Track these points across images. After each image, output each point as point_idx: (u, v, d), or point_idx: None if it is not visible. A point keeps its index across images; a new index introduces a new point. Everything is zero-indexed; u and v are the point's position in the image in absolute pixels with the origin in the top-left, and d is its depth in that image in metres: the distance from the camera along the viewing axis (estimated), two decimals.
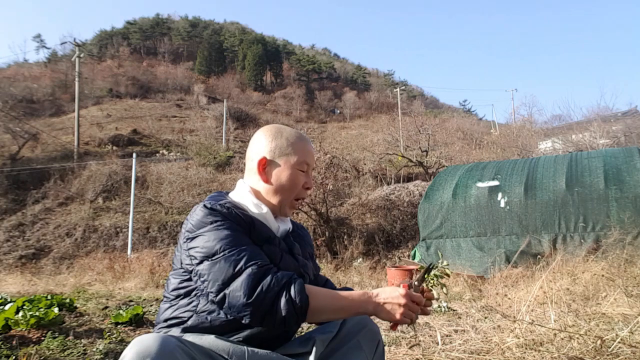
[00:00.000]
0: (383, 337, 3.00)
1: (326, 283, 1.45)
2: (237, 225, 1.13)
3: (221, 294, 1.03)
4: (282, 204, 1.27)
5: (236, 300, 1.01)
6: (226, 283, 1.02)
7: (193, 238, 1.12)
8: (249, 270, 1.02)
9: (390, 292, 1.08)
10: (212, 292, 1.04)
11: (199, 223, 1.12)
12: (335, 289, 1.36)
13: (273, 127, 1.32)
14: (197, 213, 1.15)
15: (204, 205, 1.16)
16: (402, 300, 1.07)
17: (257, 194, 1.27)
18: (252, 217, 1.19)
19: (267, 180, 1.26)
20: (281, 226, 1.29)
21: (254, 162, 1.27)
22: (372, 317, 1.28)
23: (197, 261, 1.08)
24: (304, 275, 1.28)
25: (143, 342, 0.92)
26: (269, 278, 1.02)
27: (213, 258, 1.06)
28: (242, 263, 1.03)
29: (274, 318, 1.01)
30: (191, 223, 1.14)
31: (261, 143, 1.28)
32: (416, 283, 1.17)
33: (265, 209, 1.23)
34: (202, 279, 1.07)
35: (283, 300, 1.00)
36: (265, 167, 1.26)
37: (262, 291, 1.00)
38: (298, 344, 1.23)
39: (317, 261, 1.55)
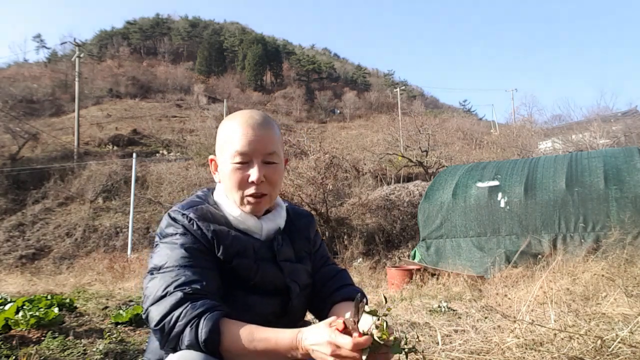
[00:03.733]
0: None
1: (338, 274, 1.30)
2: (195, 240, 1.07)
3: (146, 312, 0.99)
4: (236, 203, 1.14)
5: (151, 321, 0.97)
6: (153, 302, 0.98)
7: (155, 246, 1.10)
8: (173, 295, 0.96)
9: (317, 338, 0.89)
10: (144, 307, 1.01)
11: (162, 232, 1.10)
12: (350, 281, 1.29)
13: (225, 119, 1.19)
14: (163, 221, 1.12)
15: (168, 214, 1.12)
16: (327, 349, 0.87)
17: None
18: (215, 231, 1.09)
19: (220, 180, 1.18)
20: (266, 225, 1.17)
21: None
22: None
23: (147, 271, 1.07)
24: (290, 286, 1.15)
25: (188, 358, 0.91)
26: (181, 308, 0.94)
27: (154, 273, 1.03)
28: (172, 286, 0.97)
29: (178, 349, 0.95)
30: (158, 231, 1.13)
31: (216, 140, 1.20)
32: (352, 320, 0.91)
33: (237, 212, 1.14)
34: (143, 292, 1.05)
35: (188, 333, 0.92)
36: (216, 167, 1.19)
37: (170, 320, 0.94)
38: None
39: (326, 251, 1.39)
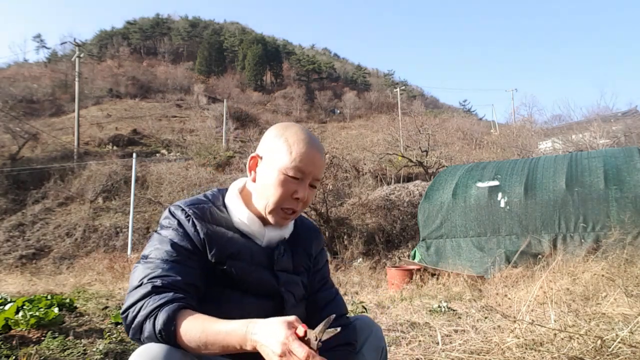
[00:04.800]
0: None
1: (333, 300, 1.28)
2: (186, 237, 1.08)
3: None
4: (265, 209, 1.13)
5: (122, 308, 1.01)
6: (130, 291, 1.01)
7: (153, 235, 1.14)
8: (144, 287, 0.99)
9: (270, 335, 0.87)
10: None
11: (160, 223, 1.14)
12: (343, 309, 1.28)
13: (281, 125, 1.18)
14: (164, 212, 1.16)
15: (169, 207, 1.16)
16: (277, 349, 0.85)
17: (246, 196, 1.18)
18: (209, 232, 1.10)
19: (254, 179, 1.17)
20: (269, 233, 1.17)
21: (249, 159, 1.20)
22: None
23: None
24: (284, 296, 1.15)
25: (150, 351, 0.92)
26: (147, 299, 0.97)
27: (139, 262, 1.06)
28: (146, 277, 1.00)
29: (141, 338, 0.97)
30: (159, 221, 1.16)
31: (263, 140, 1.19)
32: (316, 335, 0.88)
33: (245, 214, 1.14)
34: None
35: (148, 324, 0.95)
36: (256, 164, 1.17)
37: (133, 310, 0.97)
38: None
39: (326, 270, 1.35)
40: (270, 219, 1.14)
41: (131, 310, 0.98)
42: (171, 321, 0.93)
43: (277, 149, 1.12)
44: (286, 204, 1.12)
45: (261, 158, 1.16)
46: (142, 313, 0.96)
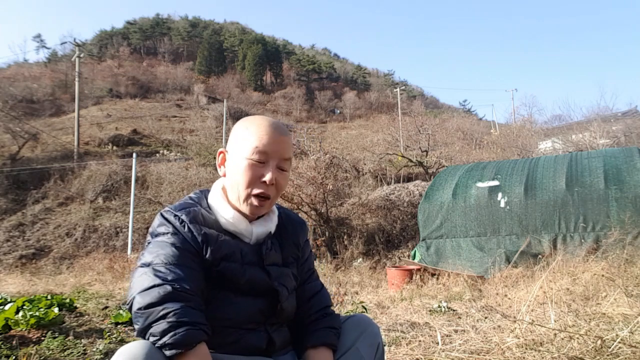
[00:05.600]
0: (383, 336, 3.01)
1: (319, 292, 1.31)
2: (185, 241, 1.09)
3: (131, 299, 1.00)
4: (239, 200, 1.14)
5: (135, 305, 0.98)
6: (140, 291, 0.99)
7: (147, 244, 1.13)
8: (162, 287, 0.98)
9: None
10: (129, 297, 1.02)
11: (154, 231, 1.13)
12: (328, 301, 1.30)
13: (245, 119, 1.20)
14: (156, 220, 1.15)
15: (161, 214, 1.15)
16: None
17: (226, 193, 1.20)
18: (206, 234, 1.11)
19: (225, 174, 1.18)
20: (256, 229, 1.18)
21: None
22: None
23: (137, 266, 1.08)
24: (278, 289, 1.17)
25: (130, 351, 0.92)
26: (175, 305, 0.95)
27: (143, 268, 1.05)
28: (160, 279, 0.99)
29: (147, 338, 0.96)
30: (150, 229, 1.15)
31: (230, 136, 1.21)
32: None
33: (231, 214, 1.15)
34: (130, 284, 1.05)
35: (162, 325, 0.93)
36: (224, 159, 1.19)
37: (158, 310, 0.95)
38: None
39: (314, 260, 1.41)
40: (245, 209, 1.14)
41: (155, 310, 0.95)
42: (184, 346, 0.93)
43: (240, 138, 1.14)
44: (256, 188, 1.12)
45: (228, 152, 1.18)
46: (166, 320, 0.94)
